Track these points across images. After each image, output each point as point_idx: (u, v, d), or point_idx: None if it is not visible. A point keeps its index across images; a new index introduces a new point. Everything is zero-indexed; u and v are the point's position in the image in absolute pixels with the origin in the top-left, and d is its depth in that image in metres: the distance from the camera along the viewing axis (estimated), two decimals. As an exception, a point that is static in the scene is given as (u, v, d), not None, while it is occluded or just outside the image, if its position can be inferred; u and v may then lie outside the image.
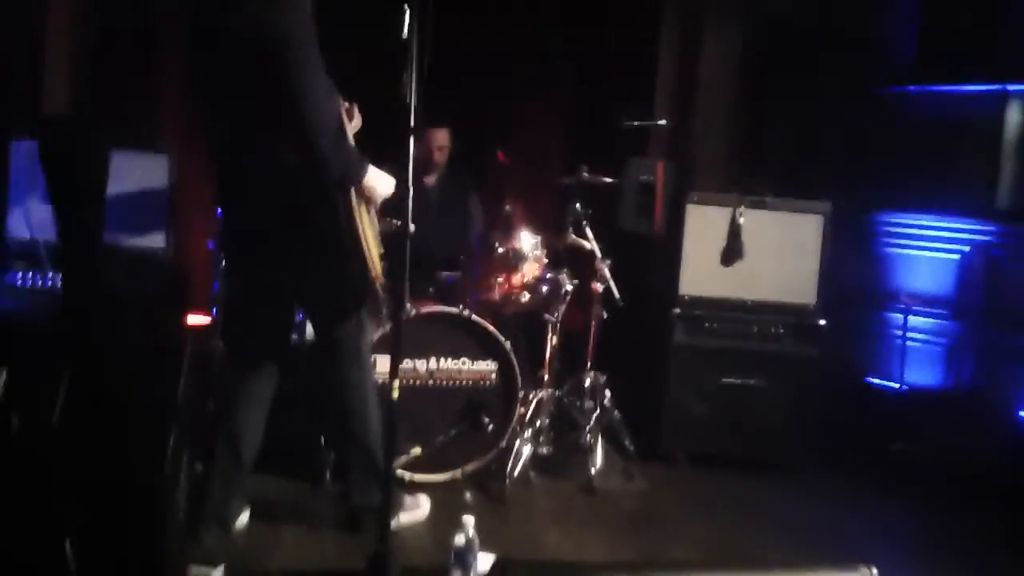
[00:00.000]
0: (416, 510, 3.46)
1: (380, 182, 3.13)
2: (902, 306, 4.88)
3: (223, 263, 3.95)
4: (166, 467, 1.94)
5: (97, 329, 2.13)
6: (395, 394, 2.71)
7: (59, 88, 4.55)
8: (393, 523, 3.14)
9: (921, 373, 4.97)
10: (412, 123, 2.63)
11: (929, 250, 5.05)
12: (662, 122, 4.87)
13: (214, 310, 4.09)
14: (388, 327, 3.64)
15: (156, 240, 4.16)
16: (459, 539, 2.72)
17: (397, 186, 3.14)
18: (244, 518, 3.27)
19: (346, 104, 3.13)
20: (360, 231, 3.01)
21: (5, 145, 3.99)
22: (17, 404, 1.88)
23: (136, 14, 4.68)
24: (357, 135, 3.17)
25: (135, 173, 4.14)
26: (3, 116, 4.00)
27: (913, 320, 4.91)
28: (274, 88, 2.85)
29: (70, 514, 1.83)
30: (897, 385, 4.84)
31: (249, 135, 2.96)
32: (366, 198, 3.11)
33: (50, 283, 3.96)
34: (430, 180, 4.67)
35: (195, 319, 3.95)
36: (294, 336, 3.52)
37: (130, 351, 2.11)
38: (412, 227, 2.70)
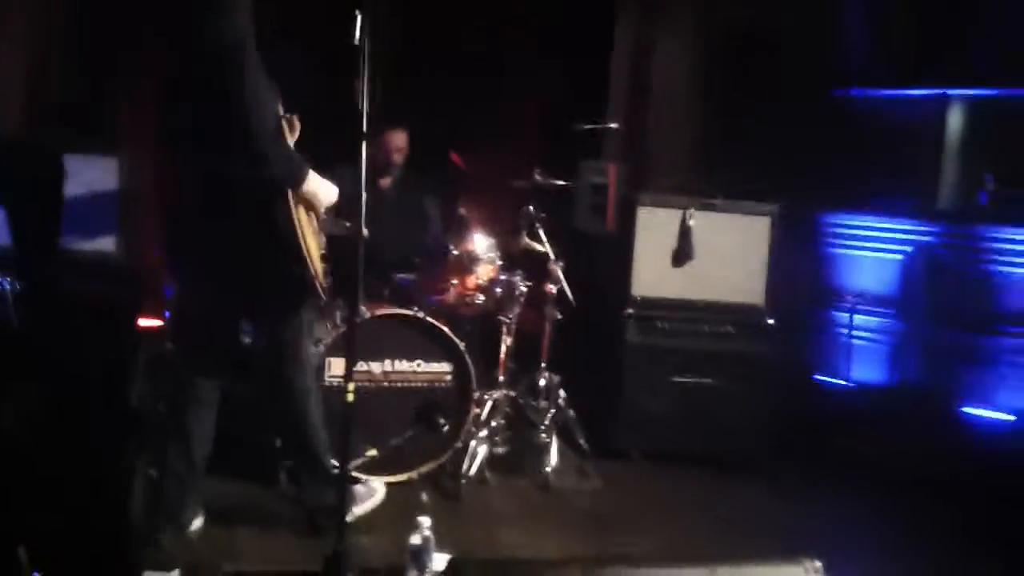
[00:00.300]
0: (370, 498, 3.47)
1: (322, 188, 3.14)
2: (848, 305, 4.99)
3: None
4: (121, 471, 1.94)
5: (54, 333, 2.12)
6: (351, 396, 2.73)
7: (11, 95, 4.50)
8: (349, 517, 3.17)
9: (867, 370, 5.09)
10: (364, 128, 2.65)
11: (874, 250, 5.18)
12: (614, 125, 4.93)
13: (166, 313, 4.07)
14: (342, 329, 3.66)
15: (107, 243, 4.14)
16: (415, 539, 2.74)
17: (347, 191, 3.15)
18: (199, 521, 3.26)
19: (287, 115, 3.15)
20: (299, 234, 3.01)
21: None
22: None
23: (89, 20, 4.63)
24: (300, 141, 3.19)
25: (86, 176, 4.11)
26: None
27: (859, 319, 5.03)
28: (215, 89, 2.87)
29: (25, 519, 1.83)
30: (844, 382, 4.95)
31: (192, 135, 2.99)
32: (306, 203, 3.12)
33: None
34: (386, 182, 4.69)
35: (147, 322, 3.93)
36: (246, 337, 3.52)
37: (84, 354, 2.11)
38: (366, 231, 2.72)
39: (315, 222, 3.22)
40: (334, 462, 3.30)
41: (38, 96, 4.56)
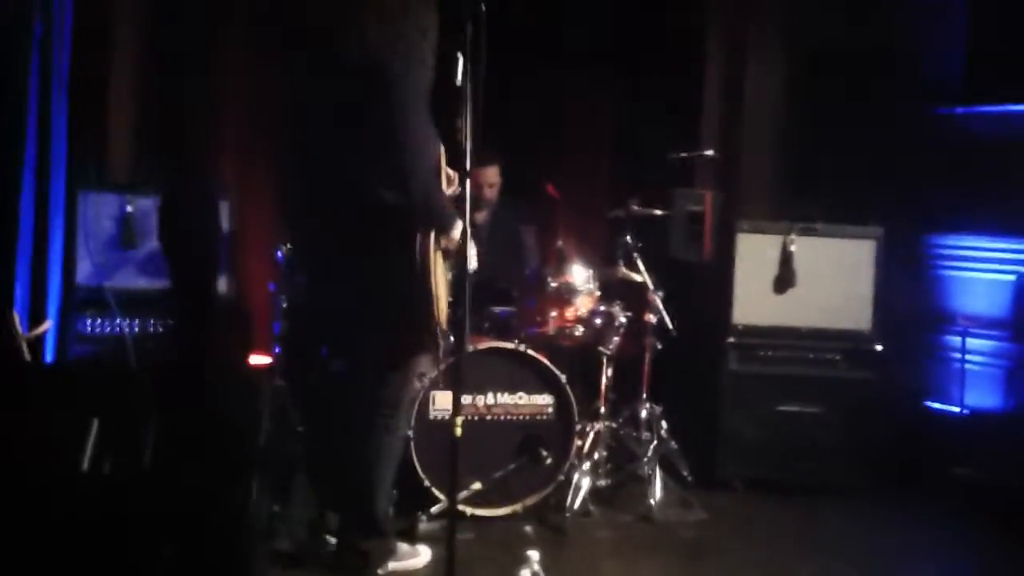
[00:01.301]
0: (411, 559, 3.39)
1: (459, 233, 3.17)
2: (960, 329, 4.83)
3: (284, 304, 4.06)
4: (251, 507, 2.01)
5: (188, 371, 2.22)
6: (458, 431, 2.76)
7: (122, 141, 4.71)
8: (381, 570, 3.23)
9: (982, 396, 4.90)
10: (468, 167, 2.70)
11: (985, 271, 5.00)
12: (709, 152, 4.90)
13: (276, 349, 4.19)
14: (446, 364, 3.70)
15: (219, 284, 4.28)
16: (524, 573, 2.75)
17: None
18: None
19: (448, 170, 3.21)
20: (433, 281, 3.05)
21: (74, 197, 4.14)
22: (108, 448, 1.96)
23: (195, 64, 4.83)
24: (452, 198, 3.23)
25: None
26: (71, 170, 4.15)
27: (972, 343, 4.86)
28: (380, 123, 2.95)
29: (160, 554, 1.91)
30: (958, 409, 4.78)
31: (344, 167, 3.03)
32: (444, 248, 3.16)
33: (119, 329, 4.09)
34: (480, 216, 4.75)
35: (257, 359, 4.06)
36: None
37: (212, 393, 2.20)
38: (473, 265, 2.77)
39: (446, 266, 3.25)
40: (387, 524, 3.30)
41: (143, 141, 4.74)
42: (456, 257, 3.18)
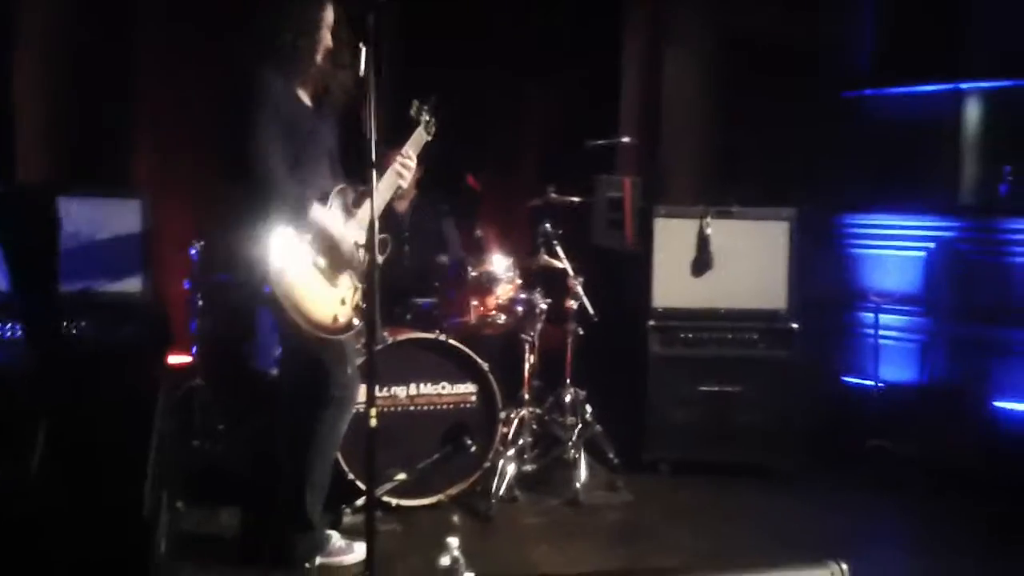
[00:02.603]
0: (343, 555, 3.37)
1: (336, 231, 3.14)
2: (873, 305, 4.97)
3: (200, 302, 4.02)
4: (146, 507, 1.99)
5: (68, 376, 2.18)
6: (373, 421, 2.76)
7: (34, 143, 4.60)
8: (308, 563, 3.22)
9: (896, 370, 5.05)
10: (373, 156, 2.70)
11: (896, 249, 5.15)
12: (626, 139, 4.96)
13: (193, 348, 4.14)
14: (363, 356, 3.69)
15: (134, 284, 4.20)
16: (444, 560, 2.76)
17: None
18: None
19: (346, 188, 3.24)
20: (284, 280, 3.00)
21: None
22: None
23: (109, 61, 4.74)
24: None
25: (110, 219, 4.19)
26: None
27: (885, 318, 5.00)
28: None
29: (53, 557, 1.88)
30: (873, 383, 4.92)
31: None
32: (325, 247, 3.13)
33: (9, 333, 3.98)
34: (402, 206, 4.73)
35: (176, 359, 4.00)
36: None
37: (105, 395, 2.16)
38: (380, 259, 2.76)
39: (345, 267, 3.20)
40: (315, 516, 3.28)
41: (55, 140, 4.64)
42: (366, 249, 3.18)
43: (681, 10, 5.52)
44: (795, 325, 4.52)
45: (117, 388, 2.22)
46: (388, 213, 3.97)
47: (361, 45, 2.72)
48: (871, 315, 4.92)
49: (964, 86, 5.04)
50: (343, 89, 3.29)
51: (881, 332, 4.94)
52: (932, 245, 5.00)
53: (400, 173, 3.40)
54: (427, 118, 3.50)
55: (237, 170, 3.06)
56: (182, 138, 4.68)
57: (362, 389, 3.72)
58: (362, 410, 3.61)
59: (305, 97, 3.29)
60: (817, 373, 4.87)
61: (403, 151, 3.42)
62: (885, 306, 4.97)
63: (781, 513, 4.06)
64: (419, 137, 3.48)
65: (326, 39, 3.24)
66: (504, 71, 5.55)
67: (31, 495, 1.88)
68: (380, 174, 3.17)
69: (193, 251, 4.03)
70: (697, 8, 5.52)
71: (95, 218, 4.15)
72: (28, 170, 4.53)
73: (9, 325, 3.90)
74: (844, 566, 2.28)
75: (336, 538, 3.36)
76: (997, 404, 4.68)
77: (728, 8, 5.47)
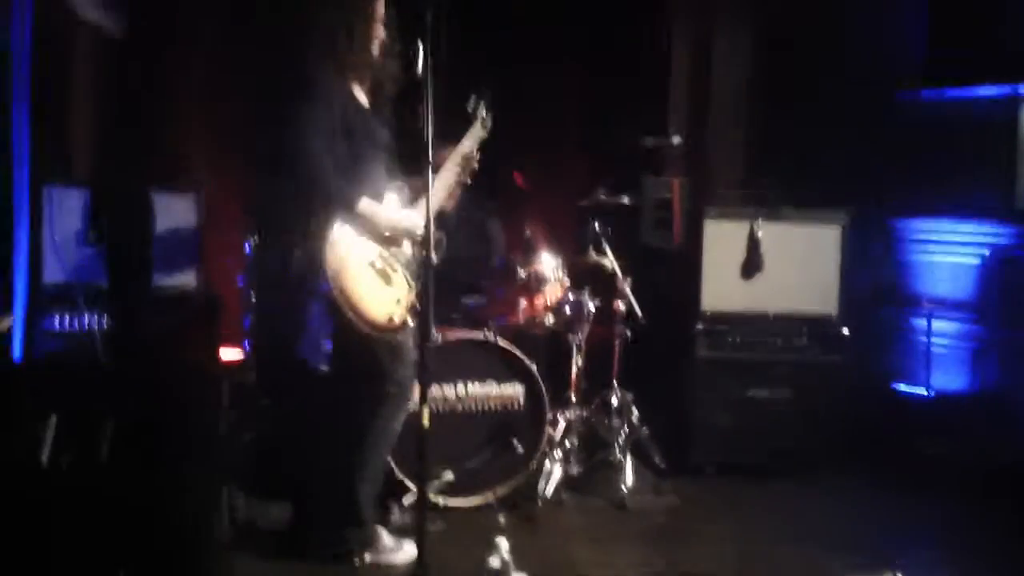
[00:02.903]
0: (392, 553, 3.38)
1: (395, 220, 3.19)
2: (925, 311, 4.89)
3: (253, 298, 4.06)
4: (211, 499, 2.02)
5: (143, 367, 2.22)
6: (426, 422, 2.77)
7: (86, 134, 4.67)
8: (358, 560, 3.24)
9: (947, 377, 4.97)
10: (430, 155, 2.71)
11: (949, 254, 5.06)
12: (676, 140, 4.92)
13: (246, 343, 4.18)
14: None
15: (188, 278, 4.26)
16: (493, 561, 2.77)
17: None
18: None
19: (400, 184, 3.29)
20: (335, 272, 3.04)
21: (38, 192, 4.10)
22: (66, 444, 1.96)
23: (161, 56, 4.80)
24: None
25: (165, 213, 4.25)
26: (36, 164, 4.12)
27: (937, 324, 4.92)
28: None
29: (122, 546, 1.91)
30: (924, 389, 4.84)
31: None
32: (379, 238, 3.17)
33: (87, 326, 4.06)
34: (450, 204, 4.73)
35: (228, 354, 4.04)
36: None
37: (172, 387, 2.20)
38: (435, 258, 2.78)
39: (397, 258, 3.24)
40: (367, 512, 3.31)
41: (113, 136, 4.71)
42: (420, 249, 3.20)
43: (729, 10, 5.47)
44: (845, 330, 4.46)
45: (182, 381, 2.26)
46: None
47: (418, 42, 2.74)
48: (923, 321, 4.85)
49: (1022, 89, 4.94)
50: (394, 80, 3.29)
51: (933, 339, 4.87)
52: (987, 251, 4.91)
53: (460, 170, 3.40)
54: (484, 113, 3.46)
55: (289, 167, 3.09)
56: (237, 133, 4.72)
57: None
58: (414, 409, 3.68)
59: (360, 93, 3.31)
60: (867, 378, 4.80)
61: (463, 147, 3.41)
62: (938, 312, 4.89)
63: (830, 518, 4.02)
64: (476, 132, 3.45)
65: (379, 32, 3.24)
66: (552, 68, 5.54)
67: (100, 482, 1.91)
68: (435, 172, 3.18)
69: (247, 246, 4.07)
70: (745, 8, 5.47)
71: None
72: (81, 165, 4.60)
73: (85, 317, 3.97)
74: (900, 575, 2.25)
75: (386, 536, 3.38)
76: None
77: (777, 7, 5.41)
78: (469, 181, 3.53)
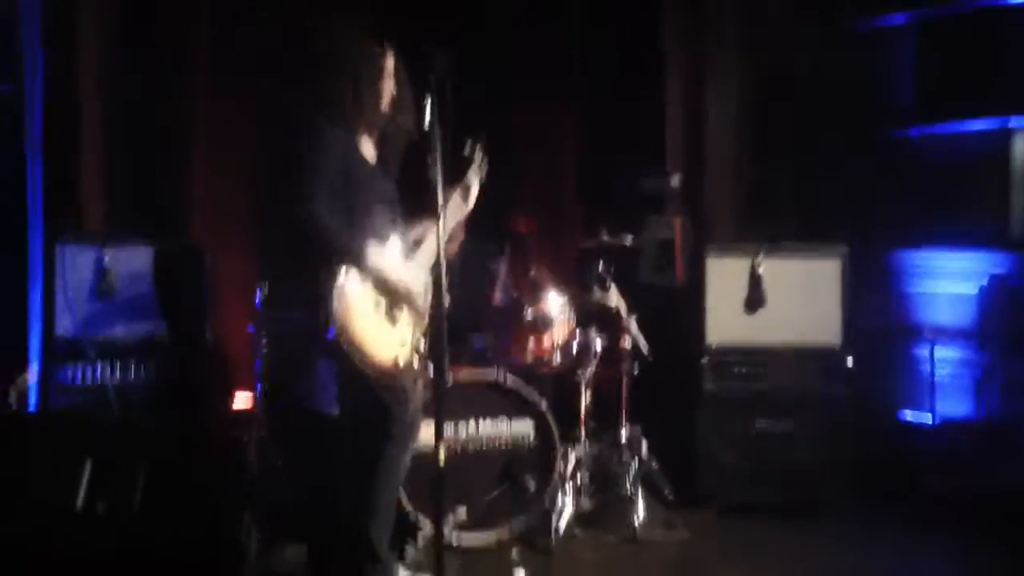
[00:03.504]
0: None
1: (398, 274, 3.23)
2: (928, 341, 4.95)
3: (264, 343, 4.12)
4: (240, 541, 2.06)
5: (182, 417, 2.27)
6: (441, 460, 2.82)
7: (97, 192, 4.75)
8: None
9: (952, 405, 5.02)
10: (441, 202, 2.79)
11: (949, 284, 5.14)
12: (675, 181, 5.02)
13: (257, 387, 4.23)
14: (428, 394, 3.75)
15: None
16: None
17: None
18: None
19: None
20: (346, 323, 3.07)
21: (52, 249, 4.18)
22: (100, 491, 2.01)
23: (166, 113, 4.90)
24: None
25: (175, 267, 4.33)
26: (49, 222, 4.21)
27: (940, 353, 4.98)
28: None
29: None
30: (929, 419, 4.89)
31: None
32: (384, 291, 3.21)
33: (100, 379, 4.11)
34: (452, 248, 4.80)
35: (242, 399, 4.09)
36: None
37: (200, 434, 2.25)
38: (447, 300, 2.84)
39: (404, 308, 3.28)
40: (382, 550, 3.31)
41: (115, 190, 4.80)
42: (433, 291, 3.26)
43: (723, 47, 5.58)
44: (849, 361, 4.52)
45: (206, 429, 2.31)
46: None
47: (427, 95, 2.82)
48: (926, 350, 4.91)
49: (1012, 122, 5.05)
50: (404, 132, 3.35)
51: (936, 367, 4.92)
52: (985, 280, 4.98)
53: (459, 214, 3.47)
54: (480, 156, 3.53)
55: (292, 220, 3.14)
56: (244, 181, 4.80)
57: (424, 427, 3.82)
58: (426, 448, 3.72)
59: (368, 146, 3.36)
60: (873, 409, 4.85)
61: (460, 192, 3.48)
62: (940, 341, 4.95)
63: (839, 551, 4.05)
64: (473, 175, 3.53)
65: (389, 87, 3.29)
66: (547, 110, 5.65)
67: (133, 532, 1.96)
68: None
69: (257, 294, 4.14)
70: (739, 45, 5.57)
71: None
72: (92, 220, 4.69)
73: (97, 370, 4.03)
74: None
75: (403, 572, 3.41)
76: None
77: (770, 46, 5.53)
78: (458, 227, 3.59)
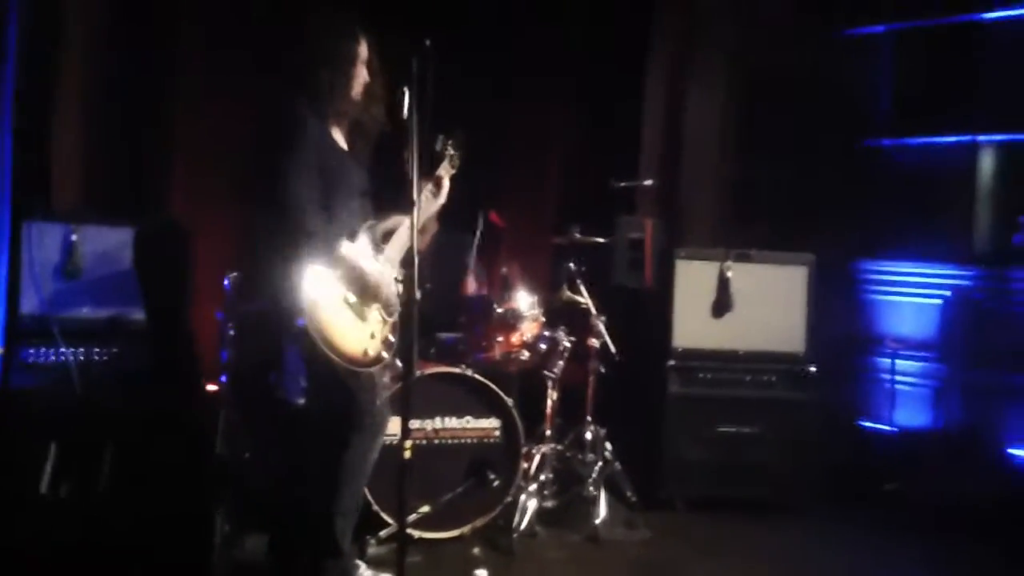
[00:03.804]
0: None
1: (369, 270, 3.21)
2: (889, 350, 5.03)
3: (231, 332, 4.09)
4: (207, 526, 2.05)
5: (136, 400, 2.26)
6: (408, 454, 2.83)
7: (67, 170, 4.70)
8: None
9: (911, 415, 5.11)
10: (416, 196, 2.79)
11: (912, 296, 5.22)
12: (648, 182, 5.05)
13: (222, 377, 4.20)
14: (395, 388, 3.76)
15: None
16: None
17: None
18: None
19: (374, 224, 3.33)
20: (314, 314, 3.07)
21: (18, 227, 4.13)
22: (64, 474, 2.00)
23: (143, 91, 4.85)
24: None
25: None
26: (17, 200, 4.14)
27: (901, 364, 5.07)
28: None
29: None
30: (888, 427, 4.97)
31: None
32: (355, 286, 3.20)
33: (63, 358, 4.06)
34: (423, 241, 4.79)
35: (208, 387, 4.06)
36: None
37: (172, 416, 2.24)
38: (419, 294, 2.84)
39: (374, 301, 3.27)
40: (344, 544, 3.32)
41: (89, 169, 4.75)
42: (403, 283, 3.27)
43: (704, 53, 5.62)
44: (812, 368, 4.58)
45: (176, 413, 2.30)
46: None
47: (405, 88, 2.82)
48: (887, 360, 4.99)
49: (980, 138, 5.14)
50: (376, 123, 3.36)
51: (897, 377, 5.00)
52: (948, 293, 5.08)
53: (430, 208, 3.47)
54: (452, 152, 3.53)
55: (268, 206, 3.14)
56: (217, 169, 4.77)
57: (392, 421, 3.83)
58: (391, 442, 3.73)
59: (339, 135, 3.36)
60: (833, 416, 4.92)
61: (430, 185, 3.48)
62: (901, 352, 5.03)
63: (797, 551, 4.12)
64: (443, 171, 3.52)
65: (362, 75, 3.30)
66: (527, 109, 5.66)
67: (99, 516, 1.95)
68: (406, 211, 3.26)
69: (227, 282, 4.11)
70: (720, 51, 5.62)
71: (124, 246, 4.26)
72: (63, 199, 4.63)
73: (61, 350, 3.99)
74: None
75: (363, 568, 3.41)
76: (1011, 451, 4.73)
77: (751, 52, 5.58)
78: (430, 220, 3.59)
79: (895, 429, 4.98)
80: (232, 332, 4.14)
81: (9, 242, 4.10)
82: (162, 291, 3.43)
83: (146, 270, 3.35)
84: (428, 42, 2.83)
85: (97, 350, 4.15)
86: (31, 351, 4.06)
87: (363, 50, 3.30)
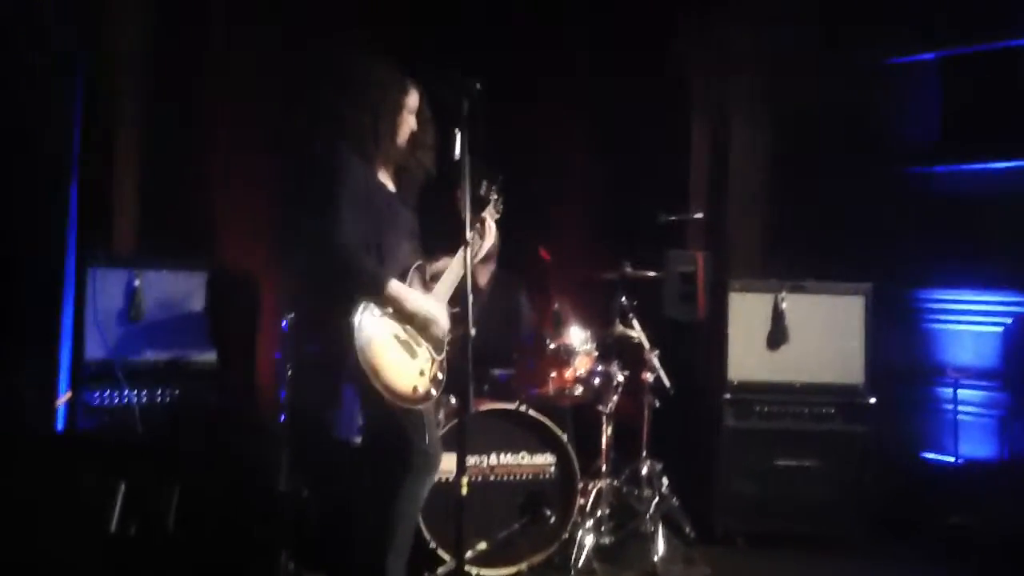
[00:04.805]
0: None
1: (423, 308, 3.24)
2: (950, 380, 4.94)
3: (289, 372, 4.16)
4: (271, 565, 2.08)
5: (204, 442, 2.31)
6: (464, 490, 2.84)
7: (128, 216, 4.82)
8: None
9: (975, 445, 4.99)
10: (468, 235, 2.83)
11: (972, 323, 5.13)
12: (698, 215, 5.05)
13: (281, 417, 4.27)
14: (451, 425, 3.78)
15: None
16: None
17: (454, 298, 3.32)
18: None
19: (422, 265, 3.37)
20: (365, 355, 3.10)
21: (83, 273, 4.25)
22: (133, 513, 2.04)
23: (195, 138, 4.98)
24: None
25: (195, 292, 4.39)
26: (81, 246, 4.27)
27: (963, 393, 4.96)
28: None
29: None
30: (952, 459, 4.86)
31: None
32: (410, 321, 3.23)
33: (126, 400, 4.16)
34: (483, 280, 4.85)
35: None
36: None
37: (230, 459, 2.29)
38: (473, 329, 2.87)
39: (424, 339, 3.31)
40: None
41: (145, 216, 4.86)
42: (458, 324, 3.30)
43: (747, 85, 5.62)
44: (872, 400, 4.52)
45: (241, 452, 2.35)
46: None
47: (456, 131, 2.87)
48: (949, 390, 4.89)
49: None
50: (422, 167, 3.40)
51: (959, 407, 4.90)
52: (1009, 320, 4.98)
53: (480, 251, 3.51)
54: (495, 197, 3.59)
55: (317, 248, 3.20)
56: (271, 211, 4.87)
57: (446, 457, 3.84)
58: (447, 479, 3.74)
59: (386, 178, 3.41)
60: (894, 448, 4.83)
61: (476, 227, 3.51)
62: (963, 381, 4.94)
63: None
64: (488, 215, 3.56)
65: (408, 122, 3.33)
66: (574, 144, 5.71)
67: (168, 554, 1.99)
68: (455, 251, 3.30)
69: (284, 323, 4.19)
70: (763, 83, 5.62)
71: (184, 290, 4.37)
72: (122, 245, 4.75)
73: (125, 392, 4.09)
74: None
75: None
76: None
77: (795, 84, 5.56)
78: (489, 258, 3.62)
79: (959, 460, 4.87)
80: (290, 372, 4.22)
81: (75, 288, 4.23)
82: (232, 334, 3.52)
83: (218, 314, 3.44)
84: (478, 84, 2.89)
85: (160, 391, 4.25)
86: (96, 394, 4.17)
87: (412, 100, 3.34)
